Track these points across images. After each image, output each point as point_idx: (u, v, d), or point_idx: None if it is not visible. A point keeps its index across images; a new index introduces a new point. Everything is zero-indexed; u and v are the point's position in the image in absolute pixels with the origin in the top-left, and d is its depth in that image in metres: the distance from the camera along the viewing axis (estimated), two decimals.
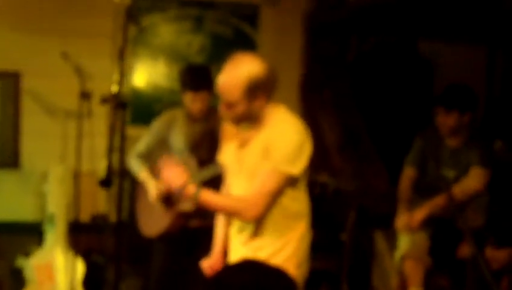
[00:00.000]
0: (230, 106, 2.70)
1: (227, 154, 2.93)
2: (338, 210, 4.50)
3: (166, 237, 3.86)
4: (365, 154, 5.11)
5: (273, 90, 2.75)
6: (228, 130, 2.96)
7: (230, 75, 2.68)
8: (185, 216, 3.79)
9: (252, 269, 1.59)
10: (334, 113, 5.22)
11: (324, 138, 5.15)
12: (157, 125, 3.96)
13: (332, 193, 4.50)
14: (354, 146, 5.11)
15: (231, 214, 2.81)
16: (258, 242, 2.80)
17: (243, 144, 2.83)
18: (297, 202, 2.81)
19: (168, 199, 3.80)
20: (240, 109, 2.70)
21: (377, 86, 5.62)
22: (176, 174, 2.75)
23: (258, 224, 2.79)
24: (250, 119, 2.77)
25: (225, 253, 3.04)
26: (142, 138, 3.98)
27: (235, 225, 2.90)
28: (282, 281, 1.60)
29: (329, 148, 5.11)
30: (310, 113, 5.24)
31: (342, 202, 4.45)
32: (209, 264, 3.03)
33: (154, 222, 3.88)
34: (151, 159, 3.94)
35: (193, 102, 3.80)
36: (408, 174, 4.15)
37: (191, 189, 2.72)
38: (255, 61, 2.69)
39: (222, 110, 2.75)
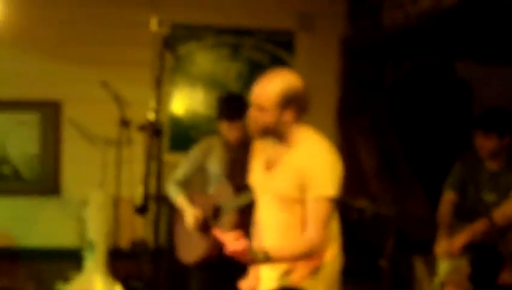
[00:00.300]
0: (261, 109, 2.71)
1: (255, 177, 2.93)
2: (376, 236, 4.46)
3: (204, 264, 3.87)
4: (403, 178, 5.06)
5: (305, 110, 2.76)
6: (257, 148, 2.96)
7: (268, 81, 2.71)
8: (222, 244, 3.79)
9: None
10: (371, 137, 5.19)
11: (361, 163, 5.12)
12: (194, 152, 4.00)
13: (370, 218, 4.46)
14: (391, 171, 5.07)
15: (304, 258, 2.76)
16: (289, 265, 2.79)
17: (270, 166, 2.83)
18: (329, 224, 2.80)
19: (205, 225, 3.81)
20: (270, 117, 2.70)
21: (415, 109, 5.58)
22: (241, 247, 2.69)
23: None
24: (276, 134, 2.76)
25: None
26: (180, 165, 4.01)
27: (268, 243, 2.89)
28: None
29: (367, 172, 5.08)
30: (347, 137, 5.22)
31: (380, 228, 4.41)
32: (247, 285, 3.03)
33: (192, 249, 3.90)
34: (189, 186, 3.97)
35: (229, 131, 3.84)
36: (448, 198, 4.09)
37: (260, 255, 2.69)
38: (294, 75, 2.75)
39: (252, 114, 2.75)
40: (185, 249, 3.95)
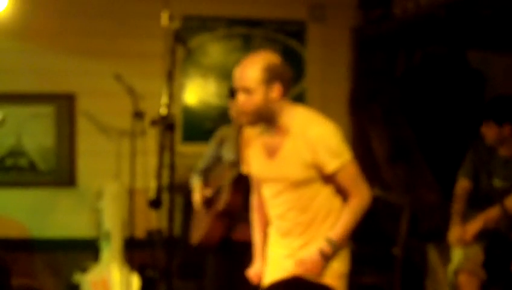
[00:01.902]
0: (247, 92, 2.72)
1: (257, 166, 2.92)
2: (389, 224, 4.48)
3: (207, 247, 3.92)
4: (416, 167, 5.06)
5: (289, 86, 2.77)
6: (247, 136, 2.97)
7: (248, 63, 2.74)
8: (226, 226, 3.83)
9: (298, 286, 1.60)
10: (383, 126, 5.19)
11: (374, 151, 5.13)
12: (211, 145, 4.06)
13: (384, 206, 4.48)
14: (404, 159, 5.08)
15: (360, 217, 2.83)
16: (304, 239, 2.84)
17: (271, 154, 2.83)
18: (338, 197, 2.84)
19: (210, 202, 3.87)
20: (258, 97, 2.71)
21: (427, 98, 5.57)
22: (311, 264, 2.78)
23: (302, 229, 2.82)
24: (268, 118, 2.77)
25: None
26: (202, 157, 4.09)
27: (277, 230, 2.93)
28: None
29: (380, 161, 5.09)
30: (360, 126, 5.24)
31: (393, 216, 4.42)
32: (254, 272, 3.05)
33: (198, 229, 3.96)
34: (209, 173, 4.04)
35: (232, 108, 3.90)
36: (462, 186, 4.10)
37: (326, 249, 2.77)
38: (272, 53, 2.78)
39: (240, 101, 2.76)
40: (194, 232, 4.01)
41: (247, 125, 2.89)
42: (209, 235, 3.89)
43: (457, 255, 3.96)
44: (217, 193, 3.88)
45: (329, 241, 2.77)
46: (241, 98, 2.76)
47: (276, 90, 2.73)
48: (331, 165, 2.72)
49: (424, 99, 5.56)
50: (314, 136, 2.72)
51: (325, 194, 2.82)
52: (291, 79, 2.81)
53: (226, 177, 3.78)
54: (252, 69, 2.71)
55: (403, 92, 5.42)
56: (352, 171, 2.77)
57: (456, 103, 5.59)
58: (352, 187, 2.77)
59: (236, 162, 3.64)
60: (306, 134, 2.73)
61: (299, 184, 2.78)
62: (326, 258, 2.77)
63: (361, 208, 2.79)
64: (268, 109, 2.75)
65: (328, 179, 2.80)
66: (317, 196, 2.82)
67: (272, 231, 2.99)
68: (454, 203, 4.08)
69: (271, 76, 2.71)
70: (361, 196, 2.78)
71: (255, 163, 2.94)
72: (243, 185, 3.68)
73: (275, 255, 2.96)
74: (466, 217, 4.00)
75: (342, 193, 2.84)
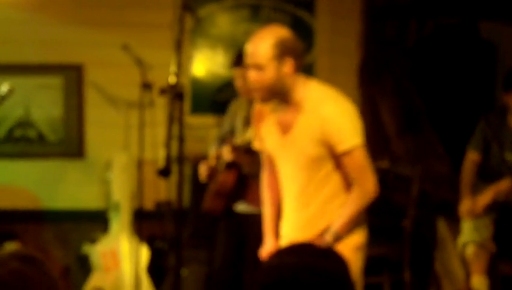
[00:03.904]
0: (259, 68, 2.68)
1: (271, 143, 2.89)
2: (399, 196, 4.47)
3: (213, 215, 3.96)
4: (426, 138, 5.04)
5: (301, 60, 2.74)
6: (260, 112, 2.93)
7: (258, 39, 2.71)
8: (225, 195, 3.86)
9: (307, 251, 1.60)
10: (393, 98, 5.16)
11: (384, 124, 5.10)
12: (225, 119, 4.07)
13: (393, 179, 4.46)
14: (414, 131, 5.04)
15: (364, 208, 2.81)
16: (311, 214, 2.83)
17: (285, 130, 2.79)
18: (332, 179, 2.81)
19: (213, 172, 3.90)
20: (270, 73, 2.67)
21: (438, 69, 5.52)
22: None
23: (316, 202, 2.80)
24: (281, 93, 2.74)
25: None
26: (219, 129, 4.10)
27: (292, 206, 2.91)
28: (340, 265, 1.59)
29: (390, 133, 5.06)
30: (370, 98, 5.20)
31: (403, 188, 4.41)
32: (266, 251, 3.01)
33: (207, 195, 4.01)
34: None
35: (236, 80, 3.89)
36: (471, 158, 4.08)
37: (328, 239, 2.76)
38: (282, 28, 2.76)
39: (251, 77, 2.72)
40: (206, 197, 4.05)
41: (260, 101, 2.86)
42: (212, 208, 3.93)
43: (467, 227, 3.96)
44: (216, 171, 3.91)
45: (333, 234, 2.76)
46: (252, 74, 2.72)
47: (288, 66, 2.69)
48: (340, 145, 2.69)
49: (435, 70, 5.52)
50: (327, 114, 2.68)
51: (337, 179, 2.78)
52: (303, 53, 2.77)
53: (224, 158, 3.80)
54: (263, 45, 2.67)
55: (414, 62, 5.37)
56: (359, 158, 2.71)
57: (467, 73, 5.54)
58: (358, 176, 2.72)
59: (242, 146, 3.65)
60: (319, 111, 2.69)
61: (311, 162, 2.74)
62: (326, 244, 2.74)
63: (365, 201, 2.75)
64: (281, 84, 2.71)
65: (339, 163, 2.76)
66: (329, 179, 2.78)
67: (285, 207, 2.97)
68: (463, 176, 4.07)
69: (282, 51, 2.67)
70: (365, 187, 2.73)
71: (268, 140, 2.91)
72: (237, 167, 3.72)
73: (288, 230, 2.95)
74: (476, 190, 3.99)
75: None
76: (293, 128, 2.76)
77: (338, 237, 2.76)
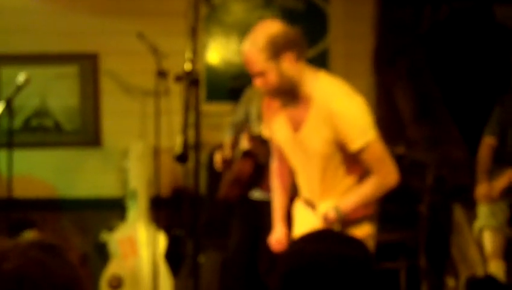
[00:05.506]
0: (261, 75, 2.63)
1: (283, 140, 2.86)
2: (415, 182, 4.46)
3: (227, 200, 3.98)
4: (442, 124, 5.02)
5: (302, 51, 2.66)
6: (270, 104, 2.88)
7: (247, 45, 2.64)
8: (241, 183, 3.88)
9: (328, 237, 1.60)
10: (409, 83, 5.14)
11: (399, 109, 5.08)
12: (239, 106, 4.07)
13: (409, 164, 4.46)
14: (430, 116, 5.03)
15: (378, 198, 2.77)
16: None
17: (296, 127, 2.74)
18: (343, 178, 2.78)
19: (229, 161, 3.91)
20: (272, 76, 2.61)
21: (453, 54, 5.49)
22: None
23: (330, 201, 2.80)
24: (291, 90, 2.68)
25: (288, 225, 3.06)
26: (233, 116, 4.10)
27: (307, 195, 2.91)
28: (361, 252, 1.60)
29: (405, 119, 5.05)
30: (384, 84, 5.18)
31: (419, 174, 4.41)
32: (275, 239, 3.00)
33: (223, 183, 4.03)
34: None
35: None
36: (488, 143, 4.07)
37: (331, 215, 2.71)
38: (270, 23, 2.66)
39: (257, 84, 2.68)
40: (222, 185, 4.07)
41: (275, 99, 2.84)
42: (228, 195, 3.96)
43: (483, 211, 3.95)
44: (232, 159, 3.93)
45: (336, 209, 2.70)
46: (258, 81, 2.66)
47: (287, 60, 2.62)
48: (355, 143, 2.62)
49: (450, 55, 5.48)
50: (337, 110, 2.61)
51: (352, 178, 2.75)
52: (301, 38, 2.68)
53: (241, 147, 3.82)
54: (254, 51, 2.61)
55: (429, 47, 5.34)
56: (377, 151, 2.65)
57: (482, 58, 5.51)
58: (377, 168, 2.65)
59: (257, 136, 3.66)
60: (329, 107, 2.62)
61: (323, 161, 2.70)
62: (329, 224, 2.70)
63: (382, 187, 2.68)
64: (288, 80, 2.64)
65: (353, 164, 2.71)
66: (343, 179, 2.75)
67: (299, 203, 2.97)
68: (480, 161, 4.05)
69: (275, 49, 2.59)
70: (386, 179, 2.67)
71: (280, 135, 2.86)
72: (253, 156, 3.74)
73: (301, 226, 2.94)
74: (493, 174, 3.98)
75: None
76: (304, 125, 2.71)
77: (341, 215, 2.69)
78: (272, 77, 2.62)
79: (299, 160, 2.83)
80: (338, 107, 2.62)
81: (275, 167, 3.06)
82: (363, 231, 2.78)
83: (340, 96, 2.66)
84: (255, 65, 2.63)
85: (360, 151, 2.64)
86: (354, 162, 2.72)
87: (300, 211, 2.97)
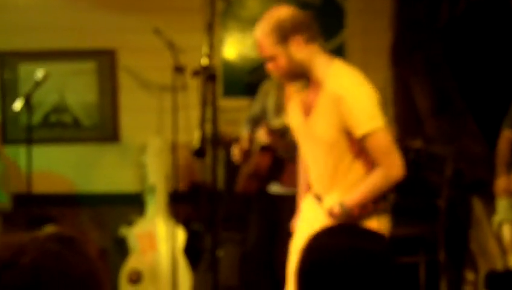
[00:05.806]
0: (271, 59, 2.69)
1: (295, 125, 2.88)
2: (433, 175, 4.45)
3: (245, 194, 3.98)
4: (460, 118, 4.99)
5: (311, 34, 2.69)
6: (291, 89, 2.91)
7: (257, 32, 2.71)
8: (260, 177, 3.89)
9: (348, 231, 1.60)
10: (426, 78, 5.11)
11: (417, 104, 5.06)
12: (256, 99, 4.08)
13: (427, 158, 4.44)
14: (448, 110, 5.00)
15: (384, 191, 2.74)
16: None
17: (307, 111, 2.77)
18: (354, 167, 2.76)
19: (247, 154, 3.92)
20: (282, 60, 2.66)
21: (471, 48, 5.45)
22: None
23: (336, 191, 2.78)
24: (303, 74, 2.71)
25: None
26: (250, 109, 4.11)
27: (317, 187, 2.91)
28: (382, 246, 1.59)
29: (423, 113, 5.03)
30: (402, 78, 5.16)
31: (437, 168, 4.39)
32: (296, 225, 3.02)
33: (241, 176, 4.04)
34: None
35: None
36: (506, 136, 4.05)
37: (336, 210, 2.71)
38: (276, 9, 2.72)
39: (269, 68, 2.74)
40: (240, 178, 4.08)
41: (290, 83, 2.87)
42: (246, 189, 3.97)
43: (502, 206, 3.93)
44: (250, 152, 3.94)
45: (341, 205, 2.70)
46: (270, 66, 2.73)
47: (295, 43, 2.65)
48: (360, 129, 2.61)
49: (468, 49, 5.45)
50: (346, 95, 2.61)
51: (359, 168, 2.73)
52: (311, 21, 2.71)
53: (259, 141, 3.83)
54: (263, 37, 2.67)
55: (447, 42, 5.31)
56: (383, 140, 2.63)
57: (500, 52, 5.47)
58: (382, 159, 2.63)
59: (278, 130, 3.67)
60: (338, 92, 2.62)
61: (330, 148, 2.70)
62: (334, 220, 2.69)
63: (388, 180, 2.66)
64: (299, 64, 2.68)
65: (361, 154, 2.70)
66: (351, 169, 2.73)
67: (308, 196, 2.97)
68: (498, 154, 4.03)
69: (283, 33, 2.64)
70: (391, 171, 2.63)
71: (293, 121, 2.89)
72: (271, 150, 3.75)
73: (307, 215, 2.94)
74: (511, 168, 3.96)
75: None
76: (313, 110, 2.73)
77: (346, 211, 2.68)
78: (282, 61, 2.67)
79: (309, 148, 2.84)
80: (347, 93, 2.63)
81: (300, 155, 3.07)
82: (371, 227, 2.77)
83: (351, 83, 2.67)
84: (265, 50, 2.69)
85: (365, 138, 2.63)
86: (362, 152, 2.71)
87: (306, 205, 2.97)
